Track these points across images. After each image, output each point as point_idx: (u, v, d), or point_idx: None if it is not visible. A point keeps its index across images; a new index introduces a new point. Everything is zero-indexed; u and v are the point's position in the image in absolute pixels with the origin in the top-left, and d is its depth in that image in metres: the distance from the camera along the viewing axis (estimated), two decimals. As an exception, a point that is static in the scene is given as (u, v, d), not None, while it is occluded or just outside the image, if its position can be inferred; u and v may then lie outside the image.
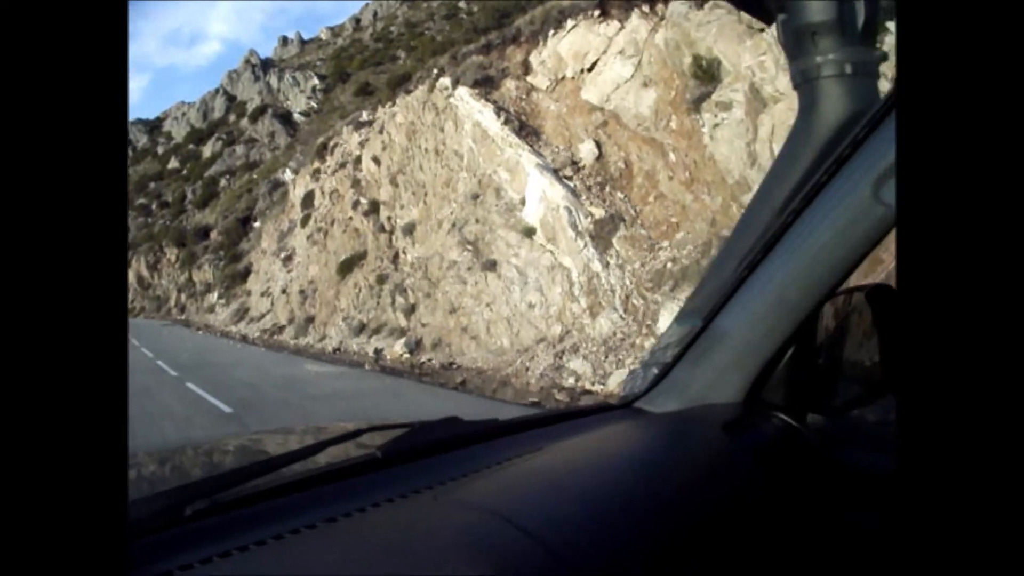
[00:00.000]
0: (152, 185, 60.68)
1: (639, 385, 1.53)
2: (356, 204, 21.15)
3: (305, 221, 24.66)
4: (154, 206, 55.66)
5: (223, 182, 51.11)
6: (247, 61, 78.29)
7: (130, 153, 78.98)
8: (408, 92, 21.54)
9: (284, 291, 23.97)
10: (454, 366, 13.50)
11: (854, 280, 1.30)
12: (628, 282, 12.56)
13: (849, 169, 1.14)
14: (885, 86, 1.17)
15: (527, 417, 1.58)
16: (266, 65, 77.19)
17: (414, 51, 65.55)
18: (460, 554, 0.84)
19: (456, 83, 18.45)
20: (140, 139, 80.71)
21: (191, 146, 64.87)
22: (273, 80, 68.40)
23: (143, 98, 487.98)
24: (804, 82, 1.26)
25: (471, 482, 1.14)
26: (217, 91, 76.37)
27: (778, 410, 1.37)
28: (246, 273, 33.22)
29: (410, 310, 16.09)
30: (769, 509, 1.20)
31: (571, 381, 10.84)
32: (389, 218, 19.24)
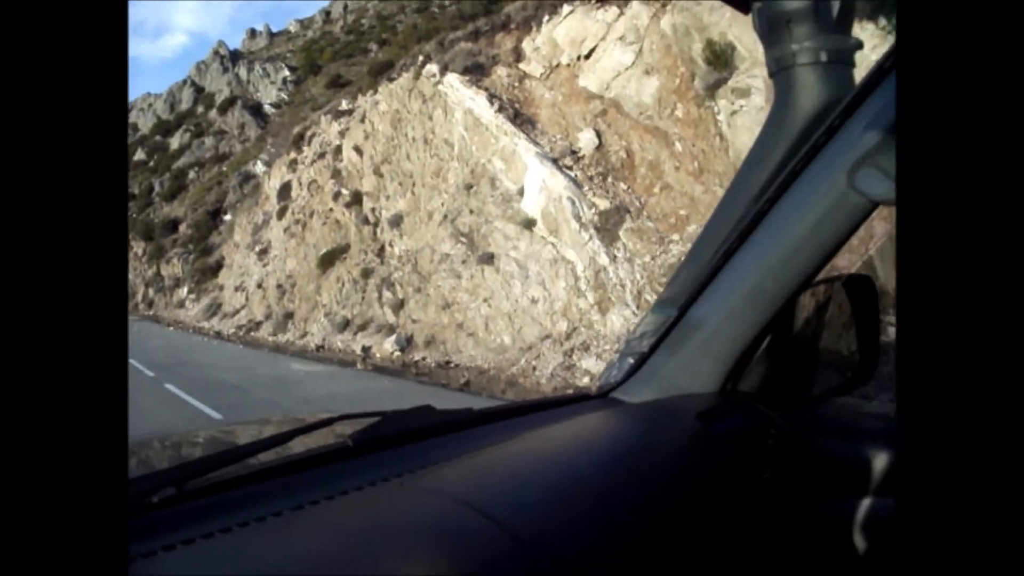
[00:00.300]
0: (117, 177, 58.86)
1: (615, 375, 1.56)
2: (337, 195, 20.27)
3: (282, 213, 23.69)
4: (119, 198, 53.98)
5: (192, 174, 49.75)
6: (216, 52, 77.10)
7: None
8: (391, 80, 20.70)
9: (260, 286, 23.00)
10: (451, 365, 12.74)
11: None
12: (639, 276, 11.89)
13: (824, 157, 1.15)
14: (860, 74, 1.14)
15: (502, 406, 1.68)
16: (235, 57, 75.99)
17: (392, 40, 64.89)
18: (425, 541, 0.85)
19: (444, 70, 17.68)
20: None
21: (158, 137, 63.22)
22: (243, 72, 67.25)
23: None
24: (779, 70, 1.25)
25: (440, 470, 1.16)
26: (185, 82, 75.04)
27: (754, 400, 1.39)
28: (217, 267, 32.12)
29: (399, 305, 15.28)
30: (744, 498, 1.21)
31: (585, 380, 10.13)
32: (373, 209, 18.39)
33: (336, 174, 20.94)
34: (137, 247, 44.13)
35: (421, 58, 19.64)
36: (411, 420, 1.35)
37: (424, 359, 13.39)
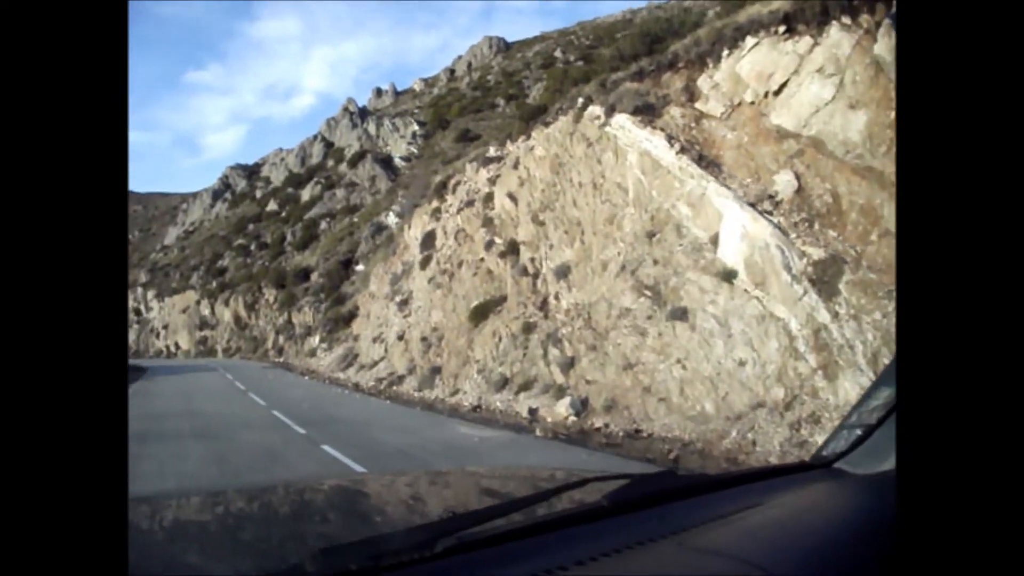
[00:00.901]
0: (251, 226, 60.60)
1: (840, 446, 1.60)
2: (490, 244, 19.16)
3: (425, 263, 22.80)
4: (253, 247, 55.27)
5: (323, 224, 50.38)
6: (345, 109, 79.78)
7: (228, 196, 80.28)
8: (546, 124, 19.61)
9: (401, 337, 22.04)
10: (642, 434, 11.11)
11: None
12: (871, 337, 10.04)
13: None
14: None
15: (734, 473, 1.98)
16: (363, 113, 78.29)
17: (519, 95, 65.28)
18: None
19: (611, 111, 16.41)
20: (239, 183, 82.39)
21: (290, 189, 64.96)
22: (371, 127, 68.79)
23: (241, 146, 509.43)
24: None
25: (709, 531, 1.28)
26: (315, 137, 77.60)
27: None
28: (350, 317, 31.67)
29: (568, 364, 13.80)
30: None
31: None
32: (533, 259, 17.11)
33: (487, 223, 19.88)
34: (269, 294, 44.62)
35: (581, 100, 18.47)
36: (657, 483, 1.58)
37: (607, 426, 11.81)
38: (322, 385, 22.94)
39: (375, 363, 22.88)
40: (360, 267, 38.49)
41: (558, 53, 77.78)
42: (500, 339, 16.56)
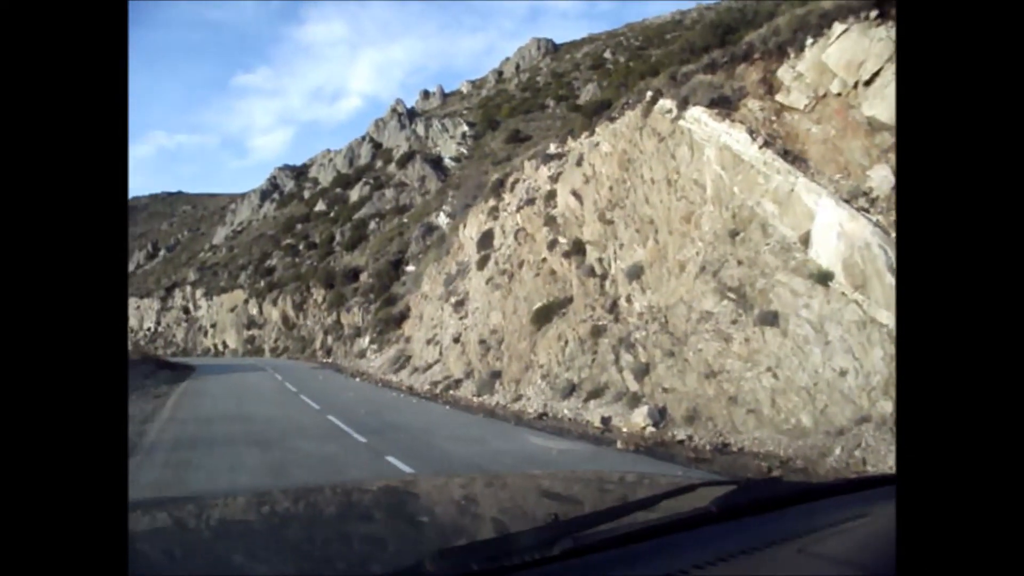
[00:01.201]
0: (299, 226, 60.65)
1: None
2: (553, 244, 18.40)
3: (483, 263, 22.11)
4: (301, 246, 55.23)
5: (372, 224, 50.09)
6: (393, 110, 79.89)
7: (276, 197, 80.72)
8: (612, 119, 18.79)
9: (457, 340, 21.37)
10: (730, 448, 10.25)
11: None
12: (993, 349, 9.07)
13: None
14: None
15: (836, 481, 1.83)
16: (411, 114, 78.23)
17: (568, 96, 64.67)
18: None
19: (684, 104, 15.55)
20: (287, 184, 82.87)
21: (338, 190, 64.95)
22: (420, 127, 68.55)
23: (288, 148, 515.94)
24: None
25: (823, 539, 1.27)
26: (363, 138, 77.77)
27: None
28: (401, 318, 31.15)
29: (643, 370, 12.97)
30: None
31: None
32: (600, 259, 16.30)
33: (550, 221, 19.12)
34: (317, 294, 44.40)
35: (650, 94, 17.62)
36: (765, 489, 1.57)
37: (690, 438, 10.95)
38: (375, 388, 22.37)
39: (429, 366, 22.26)
40: (410, 268, 38.01)
41: (607, 54, 77.45)
42: (566, 343, 15.77)
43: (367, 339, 33.02)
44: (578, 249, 17.44)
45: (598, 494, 2.24)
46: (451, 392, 18.87)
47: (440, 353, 22.28)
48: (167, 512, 2.02)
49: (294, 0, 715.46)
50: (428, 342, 23.65)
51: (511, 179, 24.24)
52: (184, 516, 1.99)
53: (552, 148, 22.59)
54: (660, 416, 11.85)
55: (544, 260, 18.75)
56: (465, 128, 63.49)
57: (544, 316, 17.05)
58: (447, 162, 57.01)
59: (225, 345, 54.35)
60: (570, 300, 16.80)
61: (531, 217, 20.46)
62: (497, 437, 11.76)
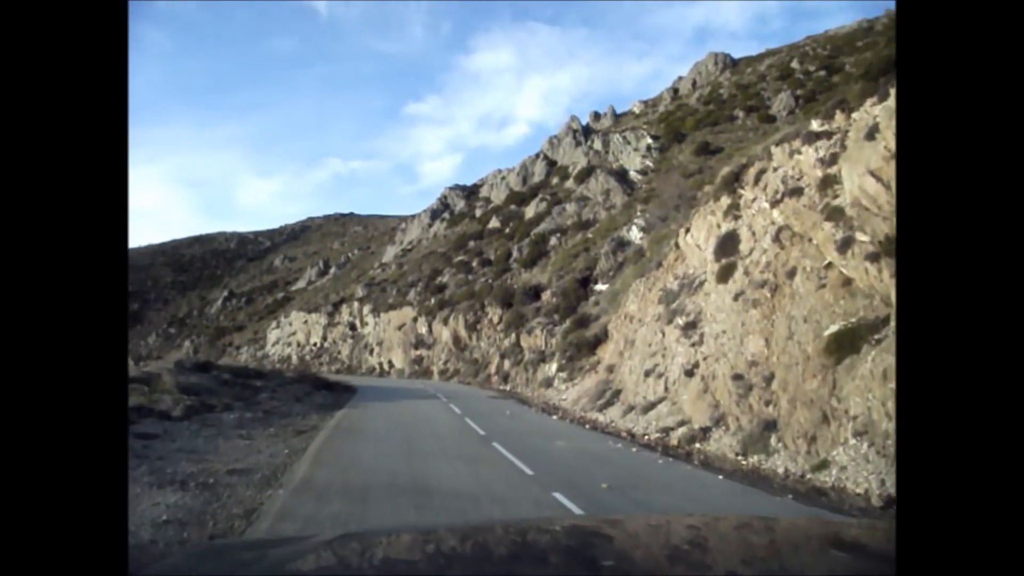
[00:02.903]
0: (472, 243, 57.49)
1: None
2: (846, 244, 13.07)
3: (725, 274, 16.98)
4: (475, 263, 51.81)
5: (552, 240, 45.87)
6: (568, 127, 76.99)
7: (447, 216, 78.87)
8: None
9: (691, 373, 16.30)
10: None
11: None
12: None
13: None
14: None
15: None
16: (586, 131, 75.01)
17: (759, 106, 59.67)
18: None
19: None
20: (457, 203, 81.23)
21: (512, 207, 61.65)
22: (598, 143, 64.75)
23: (457, 173, 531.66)
24: None
25: None
26: (536, 156, 74.94)
27: None
28: (596, 342, 26.43)
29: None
30: None
31: None
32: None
33: (834, 214, 13.81)
34: (493, 313, 40.51)
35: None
36: None
37: None
38: (584, 432, 17.35)
39: (651, 405, 17.25)
40: (600, 286, 33.37)
41: (795, 64, 72.58)
42: (893, 383, 10.37)
43: (554, 366, 28.47)
44: (888, 250, 12.03)
45: None
46: (697, 445, 13.77)
47: (665, 388, 17.26)
48: (332, 551, 1.98)
49: (462, 30, 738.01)
50: (646, 374, 18.65)
51: (752, 170, 18.99)
52: (348, 555, 1.97)
53: (815, 126, 17.21)
54: None
55: (829, 266, 13.47)
56: (649, 141, 58.75)
57: (846, 344, 11.75)
58: (632, 175, 52.21)
59: (391, 364, 51.53)
60: (885, 321, 11.41)
61: (799, 211, 15.21)
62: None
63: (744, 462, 12.17)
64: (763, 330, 14.40)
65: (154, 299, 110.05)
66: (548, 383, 27.84)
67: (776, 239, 15.56)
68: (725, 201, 19.44)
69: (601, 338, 26.25)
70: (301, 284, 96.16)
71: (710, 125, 62.30)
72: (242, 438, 13.12)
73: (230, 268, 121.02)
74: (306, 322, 67.73)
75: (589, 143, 67.20)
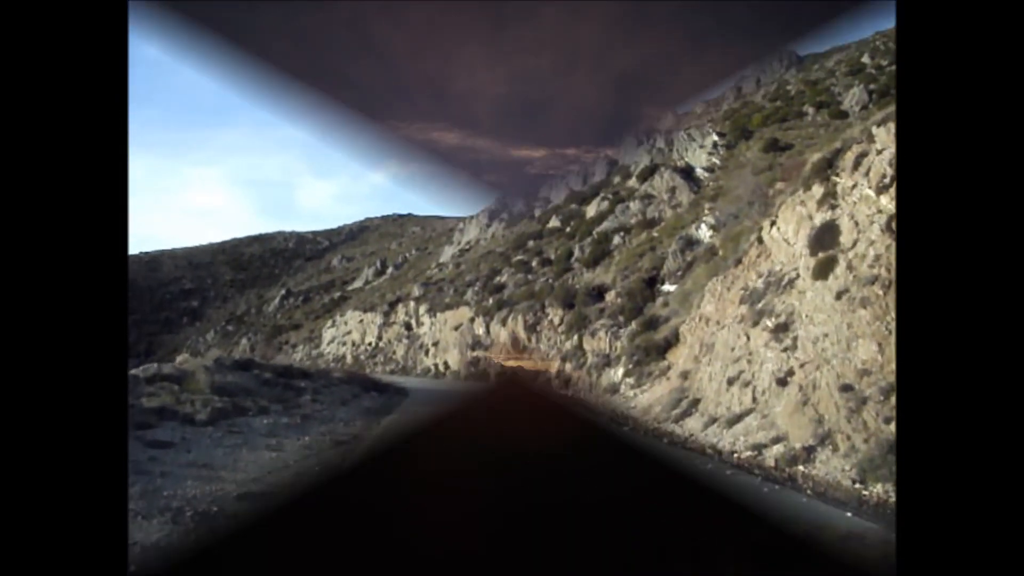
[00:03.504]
0: (531, 243, 55.78)
1: None
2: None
3: (824, 270, 14.95)
4: (534, 263, 50.07)
5: (616, 239, 43.90)
6: (630, 124, 75.03)
7: (505, 216, 77.60)
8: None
9: (784, 382, 14.34)
10: None
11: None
12: None
13: None
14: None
15: None
16: (647, 130, 73.15)
17: (829, 101, 57.31)
18: None
19: None
20: (516, 203, 79.79)
21: (572, 206, 59.74)
22: (660, 141, 62.80)
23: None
24: None
25: None
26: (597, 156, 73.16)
27: None
28: (667, 346, 24.50)
29: None
30: None
31: None
32: None
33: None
34: (554, 314, 38.71)
35: None
36: None
37: None
38: (662, 445, 15.55)
39: (737, 417, 15.30)
40: (668, 286, 31.39)
41: (865, 59, 69.59)
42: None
43: (620, 370, 26.58)
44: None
45: None
46: (800, 467, 11.81)
47: (753, 399, 15.30)
48: None
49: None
50: (729, 382, 16.70)
51: (849, 154, 16.90)
52: None
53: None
54: None
55: (960, 261, 11.36)
56: (715, 138, 56.49)
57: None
58: (699, 172, 49.98)
59: (447, 366, 50.04)
60: None
61: (917, 198, 13.10)
62: None
63: (866, 492, 10.19)
64: (875, 333, 12.40)
65: (213, 297, 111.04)
66: (614, 389, 25.98)
67: (887, 228, 13.50)
68: (818, 190, 17.38)
69: (672, 341, 24.33)
70: (358, 284, 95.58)
71: (778, 122, 59.92)
72: (270, 448, 11.59)
73: (288, 267, 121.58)
74: (361, 321, 66.81)
75: (651, 141, 65.27)
